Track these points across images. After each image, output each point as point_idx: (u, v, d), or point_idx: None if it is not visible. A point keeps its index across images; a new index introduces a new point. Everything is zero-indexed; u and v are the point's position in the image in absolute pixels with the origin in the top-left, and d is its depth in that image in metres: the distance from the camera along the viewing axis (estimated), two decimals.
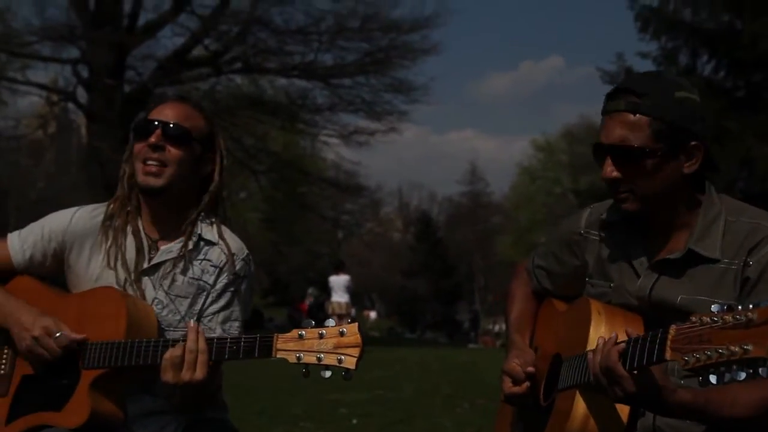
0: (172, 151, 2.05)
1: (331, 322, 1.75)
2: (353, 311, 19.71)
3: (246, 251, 2.16)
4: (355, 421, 6.86)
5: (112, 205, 2.13)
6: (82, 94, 19.86)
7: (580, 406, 1.65)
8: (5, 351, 2.06)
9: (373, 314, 47.07)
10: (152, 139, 2.03)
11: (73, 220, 2.13)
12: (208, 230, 2.13)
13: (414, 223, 52.41)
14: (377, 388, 9.26)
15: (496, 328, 30.53)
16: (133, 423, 1.99)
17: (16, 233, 2.18)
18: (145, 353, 1.88)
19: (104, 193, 18.97)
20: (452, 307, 43.05)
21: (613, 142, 1.72)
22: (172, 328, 2.05)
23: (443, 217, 58.50)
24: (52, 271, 2.15)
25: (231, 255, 2.11)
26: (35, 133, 34.08)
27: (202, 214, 2.14)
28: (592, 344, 1.65)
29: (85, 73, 19.49)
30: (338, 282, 14.59)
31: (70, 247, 2.12)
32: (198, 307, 2.08)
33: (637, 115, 1.70)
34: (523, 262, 2.19)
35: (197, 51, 20.89)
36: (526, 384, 1.88)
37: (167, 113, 2.08)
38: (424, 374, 10.94)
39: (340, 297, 14.49)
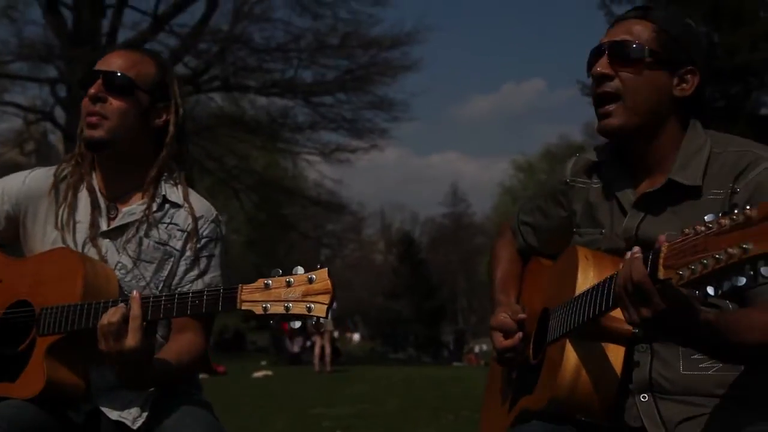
0: (114, 103, 1.91)
1: (299, 269, 1.60)
2: (335, 332, 19.55)
3: (214, 212, 2.02)
4: None
5: (64, 164, 1.99)
6: (60, 114, 19.71)
7: (571, 356, 1.55)
8: None
9: (356, 336, 46.77)
10: (92, 90, 1.90)
11: (26, 181, 1.99)
12: (172, 191, 1.99)
13: (396, 244, 52.29)
14: (361, 403, 9.13)
15: (479, 348, 30.41)
16: (98, 397, 1.85)
17: None
18: (103, 314, 1.73)
19: None
20: (436, 328, 42.85)
21: (614, 38, 1.70)
22: None
23: (426, 239, 58.53)
24: (7, 236, 2.01)
25: (199, 218, 1.97)
26: (12, 154, 33.77)
27: (165, 173, 2.00)
28: (581, 289, 1.57)
29: (62, 92, 19.34)
30: None
31: (25, 210, 1.98)
32: (164, 273, 1.94)
33: (645, 21, 1.70)
34: (507, 222, 2.10)
35: (177, 69, 20.81)
36: (519, 334, 1.78)
37: (111, 62, 1.94)
38: (408, 389, 10.81)
39: None
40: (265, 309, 1.61)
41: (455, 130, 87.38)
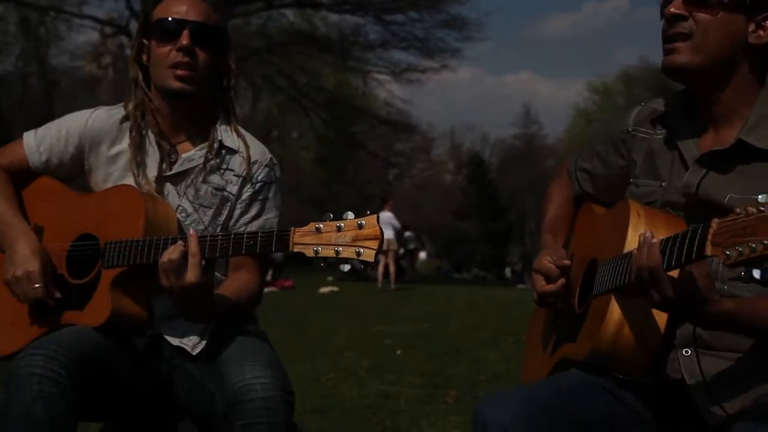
0: (201, 54, 1.98)
1: (349, 214, 1.68)
2: (401, 249, 19.77)
3: (269, 155, 2.10)
4: (399, 352, 6.91)
5: (130, 107, 2.06)
6: (135, 27, 19.94)
7: (615, 311, 1.57)
8: None
9: (422, 255, 47.23)
10: (184, 41, 1.95)
11: (89, 122, 2.06)
12: (228, 137, 2.06)
13: (466, 164, 52.00)
14: (423, 322, 9.30)
15: None
16: (160, 324, 1.97)
17: (32, 132, 2.10)
18: (163, 249, 1.83)
19: None
20: (502, 249, 42.85)
21: None
22: None
23: (495, 160, 57.92)
24: (71, 173, 2.10)
25: (253, 163, 2.06)
26: (91, 68, 34.49)
27: (220, 119, 2.08)
28: (629, 247, 1.57)
29: (137, 5, 19.52)
30: (383, 218, 14.64)
31: (89, 148, 2.06)
32: (222, 218, 2.03)
33: None
34: (564, 164, 2.07)
35: None
36: (561, 281, 1.80)
37: (189, 11, 1.98)
38: (470, 310, 10.94)
39: (384, 234, 14.53)
40: (316, 252, 1.69)
41: (531, 49, 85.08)
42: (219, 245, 1.79)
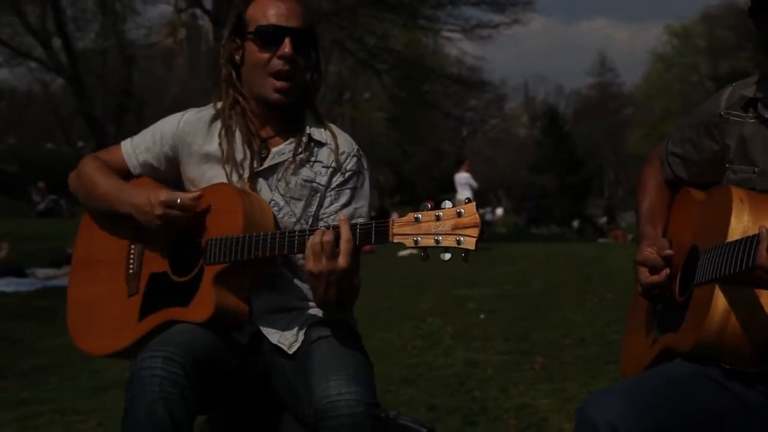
0: (300, 62, 2.02)
1: (447, 203, 1.68)
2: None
3: (356, 146, 2.12)
4: (482, 316, 6.92)
5: (220, 105, 2.10)
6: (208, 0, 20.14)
7: (720, 301, 1.54)
8: (132, 249, 2.12)
9: (499, 211, 46.89)
10: (286, 50, 1.97)
11: (180, 124, 2.13)
12: (316, 130, 2.09)
13: (540, 117, 51.10)
14: (504, 284, 9.28)
15: (623, 223, 29.69)
16: (258, 320, 2.01)
17: (129, 140, 2.20)
18: (263, 246, 1.88)
19: None
20: (581, 203, 42.13)
21: None
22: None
23: (571, 111, 56.75)
24: (167, 176, 2.17)
25: (341, 154, 2.08)
26: (166, 41, 35.12)
27: (308, 112, 2.11)
28: (733, 235, 1.53)
29: None
30: (459, 179, 14.55)
31: (182, 149, 2.12)
32: (313, 209, 2.06)
33: None
34: (656, 149, 2.04)
35: None
36: (666, 271, 1.77)
37: (290, 17, 1.98)
38: (551, 269, 10.83)
39: (461, 195, 14.44)
40: (416, 242, 1.70)
41: None
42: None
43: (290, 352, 1.97)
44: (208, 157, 2.09)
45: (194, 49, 45.54)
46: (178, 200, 1.97)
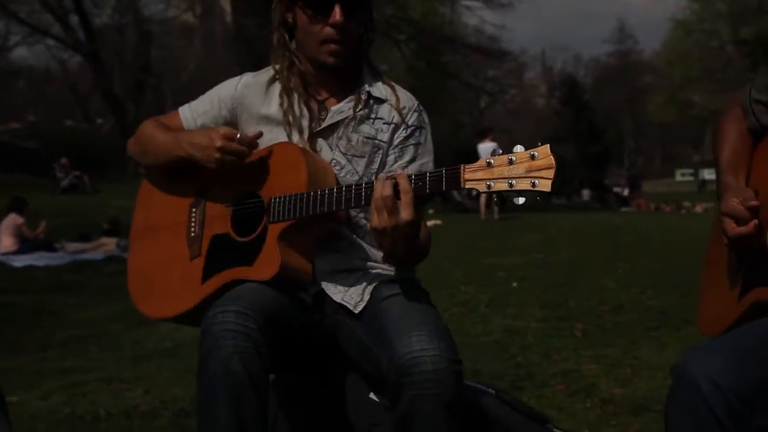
0: (352, 28, 1.99)
1: (519, 147, 1.64)
2: None
3: (415, 101, 2.09)
4: (515, 284, 6.89)
5: (277, 67, 2.08)
6: None
7: None
8: (194, 212, 2.10)
9: None
10: (337, 18, 1.94)
11: (239, 87, 2.11)
12: (374, 87, 2.06)
13: (559, 87, 50.64)
14: (534, 252, 9.23)
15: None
16: (321, 280, 1.99)
17: (186, 105, 2.18)
18: (329, 200, 1.85)
19: (253, 70, 19.35)
20: (601, 172, 41.85)
21: None
22: None
23: (590, 80, 56.27)
24: None
25: (402, 109, 2.05)
26: (183, 16, 35.04)
27: (365, 69, 2.08)
28: None
29: None
30: (485, 149, 14.39)
31: (240, 112, 2.10)
32: (375, 166, 2.03)
33: None
34: (735, 98, 1.97)
35: None
36: (753, 222, 1.71)
37: None
38: (580, 238, 10.76)
39: None
40: (488, 186, 1.66)
41: None
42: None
43: (356, 311, 1.95)
44: (267, 119, 2.07)
45: (210, 24, 45.50)
46: (238, 134, 1.95)
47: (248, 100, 2.09)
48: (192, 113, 2.15)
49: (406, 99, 2.07)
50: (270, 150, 2.01)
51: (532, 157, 1.62)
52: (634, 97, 55.92)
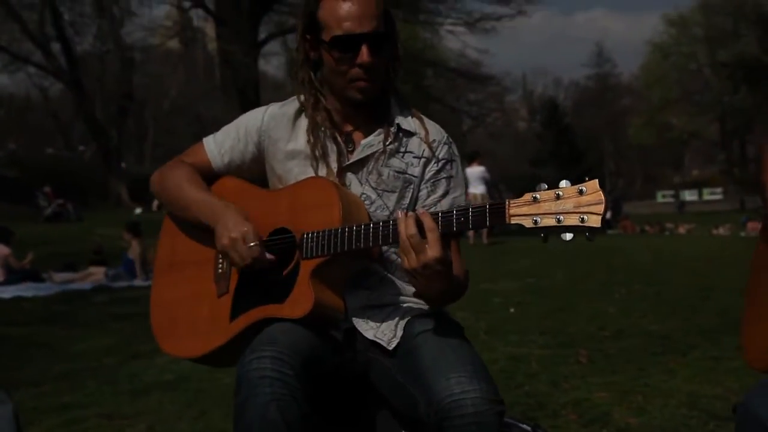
0: (380, 64, 1.95)
1: (565, 182, 1.61)
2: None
3: (445, 134, 2.06)
4: (512, 310, 6.86)
5: (302, 100, 2.04)
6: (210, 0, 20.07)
7: None
8: None
9: None
10: (364, 59, 1.90)
11: (265, 118, 2.08)
12: (404, 120, 2.03)
13: (540, 110, 51.07)
14: (526, 276, 9.21)
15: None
16: (352, 316, 1.95)
17: (211, 137, 2.14)
18: (365, 236, 1.81)
19: (238, 96, 19.48)
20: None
21: None
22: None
23: (569, 103, 56.81)
24: (252, 172, 2.11)
25: (432, 143, 2.02)
26: (164, 43, 35.04)
27: (393, 102, 2.04)
28: None
29: None
30: (473, 173, 14.40)
31: (267, 145, 2.06)
32: (406, 201, 2.00)
33: None
34: None
35: None
36: None
37: (363, 20, 1.89)
38: (571, 261, 10.76)
39: (475, 188, 14.30)
40: (535, 222, 1.63)
41: None
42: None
43: (389, 348, 1.90)
44: (294, 154, 2.03)
45: (191, 51, 45.50)
46: (253, 243, 1.91)
47: (275, 133, 2.06)
48: (218, 149, 2.11)
49: (436, 132, 2.04)
50: (301, 185, 1.97)
51: (580, 192, 1.59)
52: (613, 120, 56.55)
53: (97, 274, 10.78)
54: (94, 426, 3.92)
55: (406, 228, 1.71)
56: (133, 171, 38.11)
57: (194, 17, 28.62)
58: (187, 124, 45.48)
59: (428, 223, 1.71)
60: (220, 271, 2.03)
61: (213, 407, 4.18)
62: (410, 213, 1.75)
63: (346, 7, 1.90)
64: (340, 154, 2.00)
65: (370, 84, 1.94)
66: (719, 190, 50.77)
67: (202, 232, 2.07)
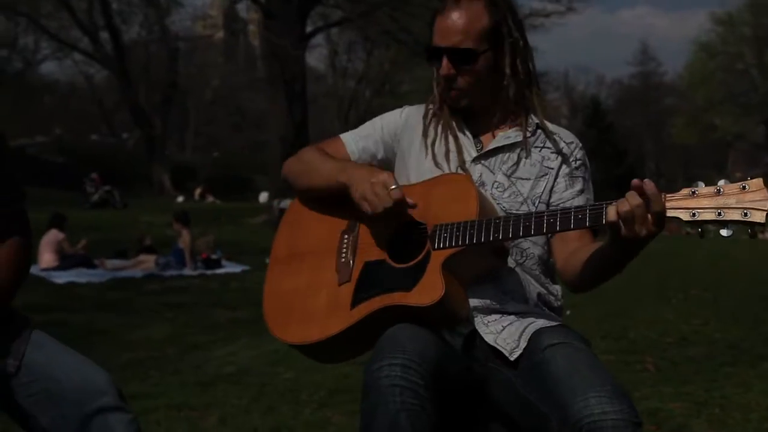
0: (465, 76, 1.98)
1: (723, 181, 1.61)
2: None
3: (578, 141, 2.08)
4: (568, 312, 6.78)
5: (432, 105, 2.09)
6: None
7: None
8: (345, 238, 2.04)
9: None
10: (443, 72, 1.97)
11: (403, 115, 2.14)
12: (542, 122, 2.06)
13: (581, 108, 50.58)
14: None
15: None
16: (474, 320, 1.92)
17: (348, 133, 2.19)
18: (504, 228, 1.80)
19: (285, 89, 19.54)
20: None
21: None
22: (513, 211, 1.96)
23: (612, 101, 56.14)
24: (383, 166, 2.10)
25: (570, 143, 2.05)
26: (214, 34, 35.38)
27: (532, 109, 2.06)
28: None
29: None
30: None
31: (401, 141, 2.12)
32: (540, 189, 2.00)
33: None
34: None
35: None
36: None
37: (447, 33, 1.97)
38: None
39: None
40: (693, 215, 1.61)
41: None
42: (573, 216, 1.74)
43: (512, 358, 1.87)
44: (426, 150, 2.06)
45: (233, 43, 45.80)
46: (394, 186, 1.89)
47: (410, 130, 2.11)
48: (354, 137, 2.16)
49: (572, 136, 2.08)
50: (435, 180, 1.98)
51: (743, 188, 1.58)
52: (656, 120, 55.76)
53: (148, 262, 10.90)
54: (164, 417, 3.96)
55: (631, 198, 1.66)
56: (175, 159, 38.58)
57: (239, 9, 28.77)
58: (228, 115, 45.94)
59: (650, 188, 1.63)
60: (342, 260, 2.01)
61: (280, 403, 4.21)
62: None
63: (444, 19, 1.99)
64: (469, 148, 2.04)
65: (458, 95, 2.00)
66: None
67: (325, 221, 2.08)
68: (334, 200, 2.06)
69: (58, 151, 34.49)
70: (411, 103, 2.21)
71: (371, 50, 35.27)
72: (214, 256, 11.56)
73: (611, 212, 1.69)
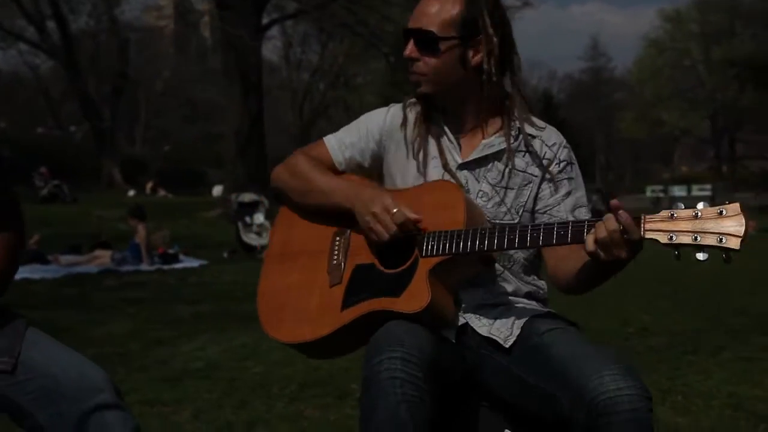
0: (426, 60, 1.98)
1: (703, 204, 1.63)
2: None
3: (563, 138, 2.08)
4: None
5: (411, 103, 2.09)
6: None
7: None
8: (337, 241, 2.06)
9: None
10: (406, 52, 1.99)
11: (387, 118, 2.11)
12: (524, 123, 2.04)
13: (534, 102, 51.10)
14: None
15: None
16: (466, 314, 1.96)
17: (332, 136, 2.17)
18: (489, 239, 1.83)
19: (241, 80, 19.35)
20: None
21: None
22: (497, 221, 1.99)
23: (564, 96, 56.90)
24: (371, 173, 2.13)
25: (553, 145, 2.04)
26: (158, 25, 34.82)
27: (513, 105, 2.04)
28: None
29: None
30: None
31: (388, 145, 2.10)
32: (524, 198, 2.01)
33: None
34: None
35: None
36: None
37: (415, 17, 1.99)
38: None
39: None
40: (671, 238, 1.63)
41: None
42: (556, 232, 1.77)
43: (506, 346, 1.91)
44: (411, 153, 2.06)
45: (184, 34, 45.12)
46: (396, 210, 1.92)
47: (396, 133, 2.09)
48: (339, 144, 2.13)
49: (555, 135, 2.06)
50: (424, 186, 2.00)
51: (720, 213, 1.61)
52: (605, 114, 56.66)
53: (103, 257, 10.72)
54: (137, 414, 3.87)
55: (607, 224, 1.68)
56: (126, 152, 37.92)
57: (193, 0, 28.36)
58: (179, 107, 45.30)
59: (625, 219, 1.65)
60: (334, 262, 2.04)
61: (252, 397, 4.20)
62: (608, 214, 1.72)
63: (416, 7, 2.01)
64: (452, 151, 2.04)
65: (418, 79, 1.99)
66: (708, 186, 51.19)
67: (318, 223, 2.09)
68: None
69: (1, 144, 33.60)
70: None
71: (326, 42, 35.18)
72: (171, 251, 11.43)
73: (589, 241, 1.71)
